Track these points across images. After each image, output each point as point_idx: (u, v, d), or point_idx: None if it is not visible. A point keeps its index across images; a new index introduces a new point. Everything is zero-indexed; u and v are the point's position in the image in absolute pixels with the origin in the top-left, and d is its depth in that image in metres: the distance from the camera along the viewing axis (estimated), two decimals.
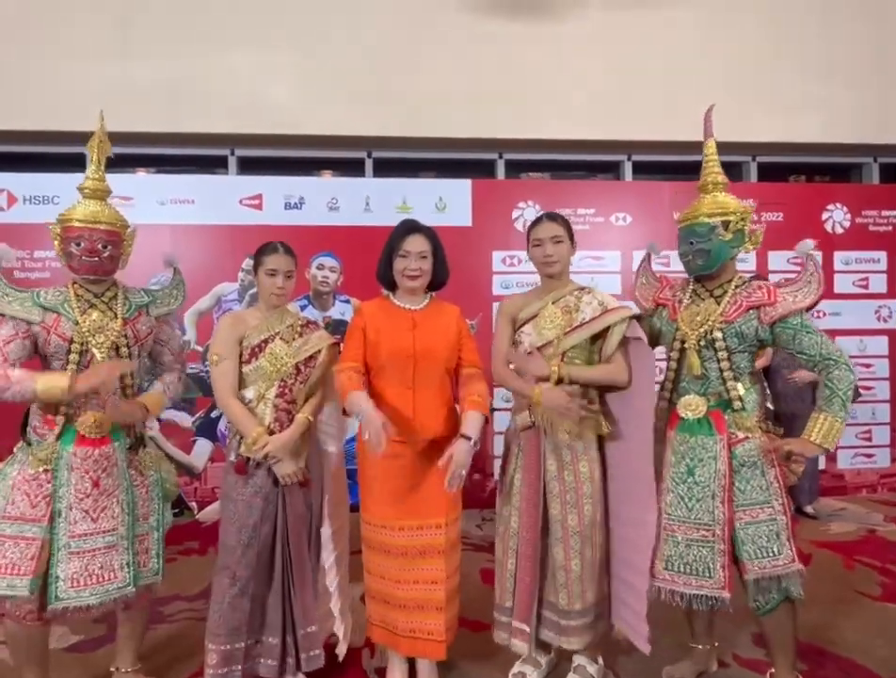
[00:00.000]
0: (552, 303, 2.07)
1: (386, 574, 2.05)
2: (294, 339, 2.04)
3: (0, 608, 1.85)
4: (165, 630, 2.52)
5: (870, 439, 4.55)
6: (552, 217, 2.11)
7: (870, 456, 4.55)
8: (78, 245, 1.89)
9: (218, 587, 1.98)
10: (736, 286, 1.96)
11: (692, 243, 1.95)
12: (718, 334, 1.91)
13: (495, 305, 4.29)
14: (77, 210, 1.92)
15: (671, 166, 4.92)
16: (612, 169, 5.02)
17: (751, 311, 1.90)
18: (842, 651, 2.36)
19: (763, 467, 1.90)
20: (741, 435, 1.91)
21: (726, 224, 1.94)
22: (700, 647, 2.20)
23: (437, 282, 2.11)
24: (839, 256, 4.49)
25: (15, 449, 1.93)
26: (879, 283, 4.57)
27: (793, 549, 1.89)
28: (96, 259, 1.90)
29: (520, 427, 2.09)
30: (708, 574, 1.86)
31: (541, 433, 2.06)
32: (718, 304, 1.95)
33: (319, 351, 2.06)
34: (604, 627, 2.12)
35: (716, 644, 2.24)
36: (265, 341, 2.02)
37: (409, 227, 2.06)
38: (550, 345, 2.03)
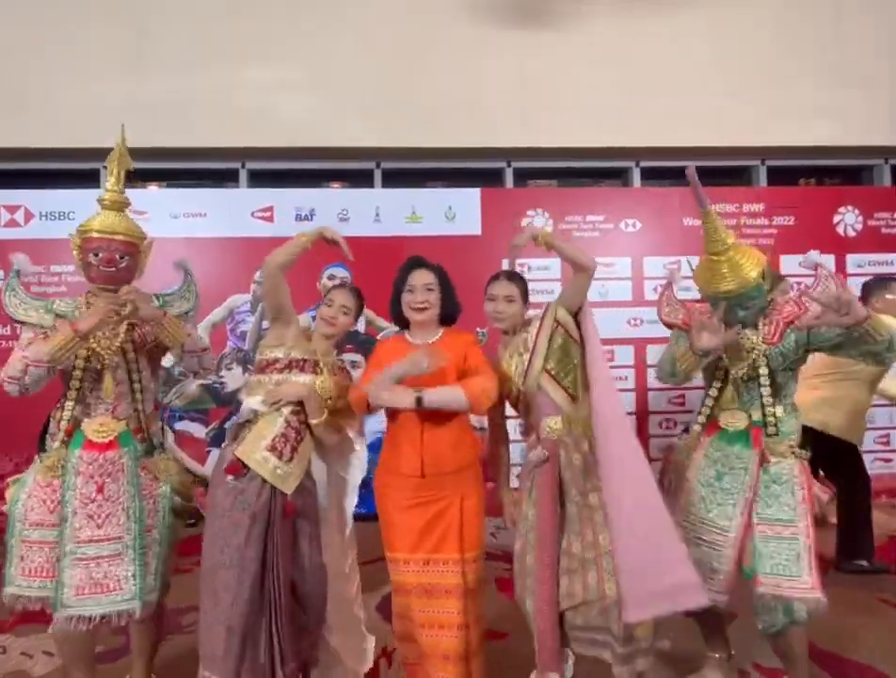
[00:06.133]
0: (510, 357, 2.07)
1: (406, 615, 1.96)
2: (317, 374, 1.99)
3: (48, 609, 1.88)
4: (181, 640, 2.53)
5: (888, 443, 4.49)
6: (510, 276, 2.14)
7: (888, 460, 4.48)
8: (96, 255, 1.94)
9: (201, 610, 1.87)
10: (766, 308, 2.00)
11: (748, 307, 1.95)
12: (762, 360, 1.96)
13: None
14: (96, 221, 1.98)
15: (680, 171, 4.90)
16: (620, 176, 5.02)
17: (789, 327, 1.95)
18: (863, 658, 2.33)
19: (794, 488, 1.93)
20: (774, 458, 1.95)
21: (761, 274, 1.95)
22: (718, 656, 2.18)
23: (446, 315, 2.09)
24: (851, 259, 4.45)
25: (35, 458, 1.98)
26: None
27: (815, 576, 1.87)
28: (113, 269, 1.95)
29: (533, 464, 2.04)
30: (711, 577, 1.91)
31: (556, 466, 1.99)
32: (756, 329, 1.98)
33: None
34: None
35: (733, 653, 2.21)
36: (303, 361, 1.98)
37: (413, 263, 2.08)
38: (528, 376, 2.02)
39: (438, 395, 1.87)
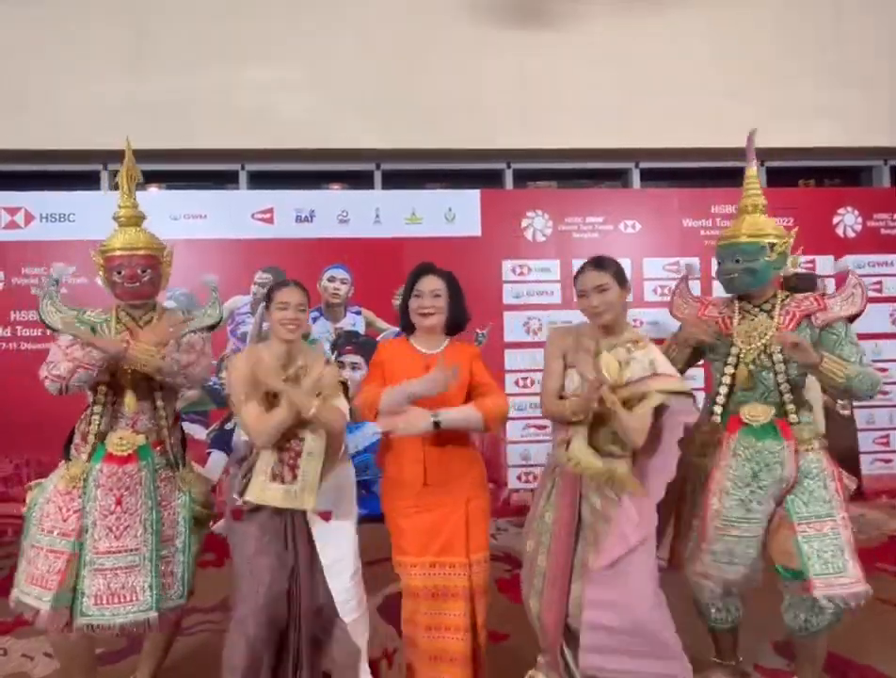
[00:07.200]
0: (607, 351, 1.91)
1: (413, 619, 1.95)
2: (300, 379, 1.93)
3: (38, 621, 1.87)
4: (181, 642, 2.52)
5: (888, 444, 4.49)
6: (597, 263, 1.97)
7: (888, 461, 4.49)
8: (119, 273, 1.98)
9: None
10: (783, 299, 2.02)
11: (738, 261, 1.98)
12: (776, 347, 1.96)
13: (505, 314, 4.30)
14: (116, 239, 2.03)
15: (679, 172, 4.91)
16: (620, 177, 5.02)
17: (804, 319, 1.97)
18: (863, 659, 2.33)
19: (825, 480, 1.93)
20: (802, 448, 1.94)
21: (772, 246, 1.98)
22: (725, 663, 2.18)
23: (454, 324, 2.05)
24: (851, 260, 4.43)
25: (61, 464, 2.01)
26: (893, 287, 4.51)
27: (858, 567, 1.88)
28: (137, 284, 1.99)
29: (558, 462, 1.99)
30: (749, 563, 1.93)
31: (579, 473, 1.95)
32: (771, 318, 1.99)
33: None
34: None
35: (741, 659, 2.22)
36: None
37: (422, 269, 2.05)
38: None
39: (455, 418, 1.85)
